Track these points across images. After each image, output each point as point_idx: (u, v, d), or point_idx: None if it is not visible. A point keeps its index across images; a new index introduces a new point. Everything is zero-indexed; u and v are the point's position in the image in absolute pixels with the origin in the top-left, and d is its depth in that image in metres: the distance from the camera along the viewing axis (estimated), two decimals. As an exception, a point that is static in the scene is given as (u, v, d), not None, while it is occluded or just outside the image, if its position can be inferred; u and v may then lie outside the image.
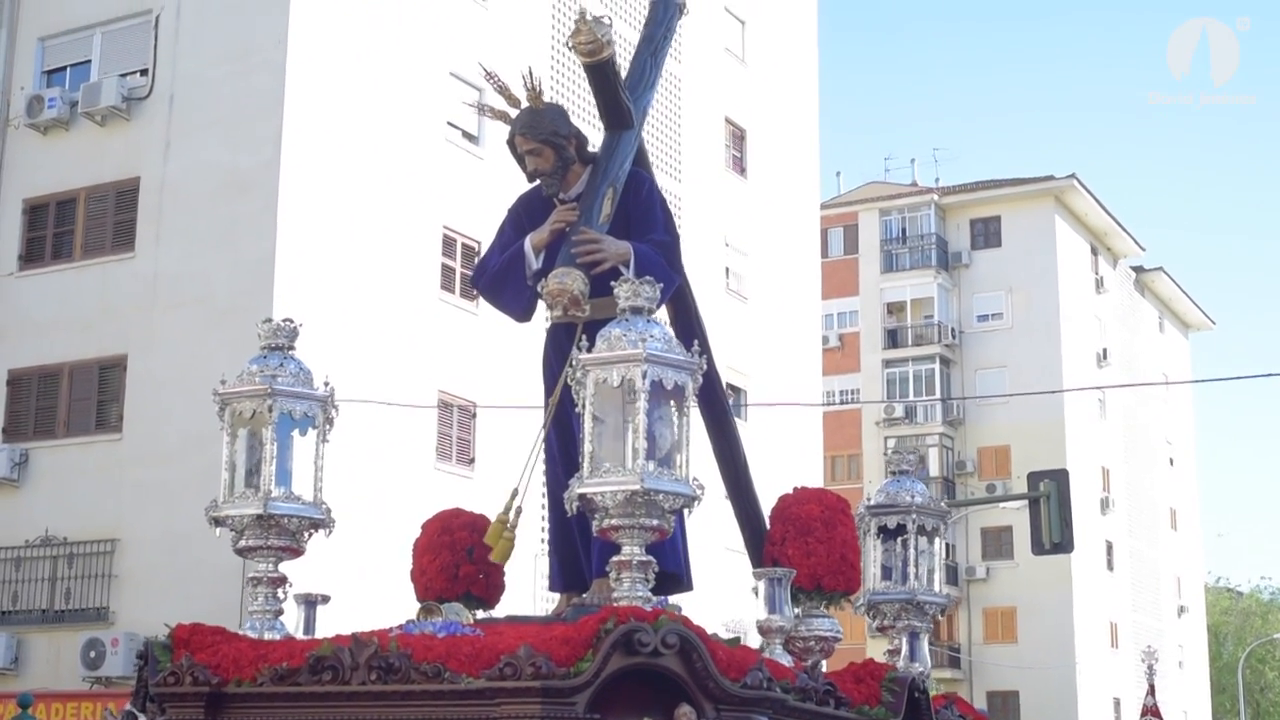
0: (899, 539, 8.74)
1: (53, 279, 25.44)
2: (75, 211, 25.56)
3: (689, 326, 8.47)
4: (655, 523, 6.49)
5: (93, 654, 22.80)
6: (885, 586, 8.70)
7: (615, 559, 6.59)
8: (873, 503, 8.85)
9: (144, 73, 25.37)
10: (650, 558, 6.58)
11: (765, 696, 6.31)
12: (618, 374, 6.48)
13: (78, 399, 24.85)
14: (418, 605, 8.11)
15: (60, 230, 25.72)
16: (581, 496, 6.51)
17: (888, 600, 8.67)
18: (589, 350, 6.59)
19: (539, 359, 8.19)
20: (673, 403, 6.58)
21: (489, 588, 8.30)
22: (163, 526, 22.30)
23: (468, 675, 6.16)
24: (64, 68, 26.43)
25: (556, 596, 8.19)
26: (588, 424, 6.56)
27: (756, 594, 7.43)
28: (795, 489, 8.22)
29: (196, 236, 23.98)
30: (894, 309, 56.28)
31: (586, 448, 6.55)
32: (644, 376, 6.43)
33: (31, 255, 25.86)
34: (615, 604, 6.44)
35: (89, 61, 26.08)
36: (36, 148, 25.97)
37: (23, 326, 25.33)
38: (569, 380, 6.74)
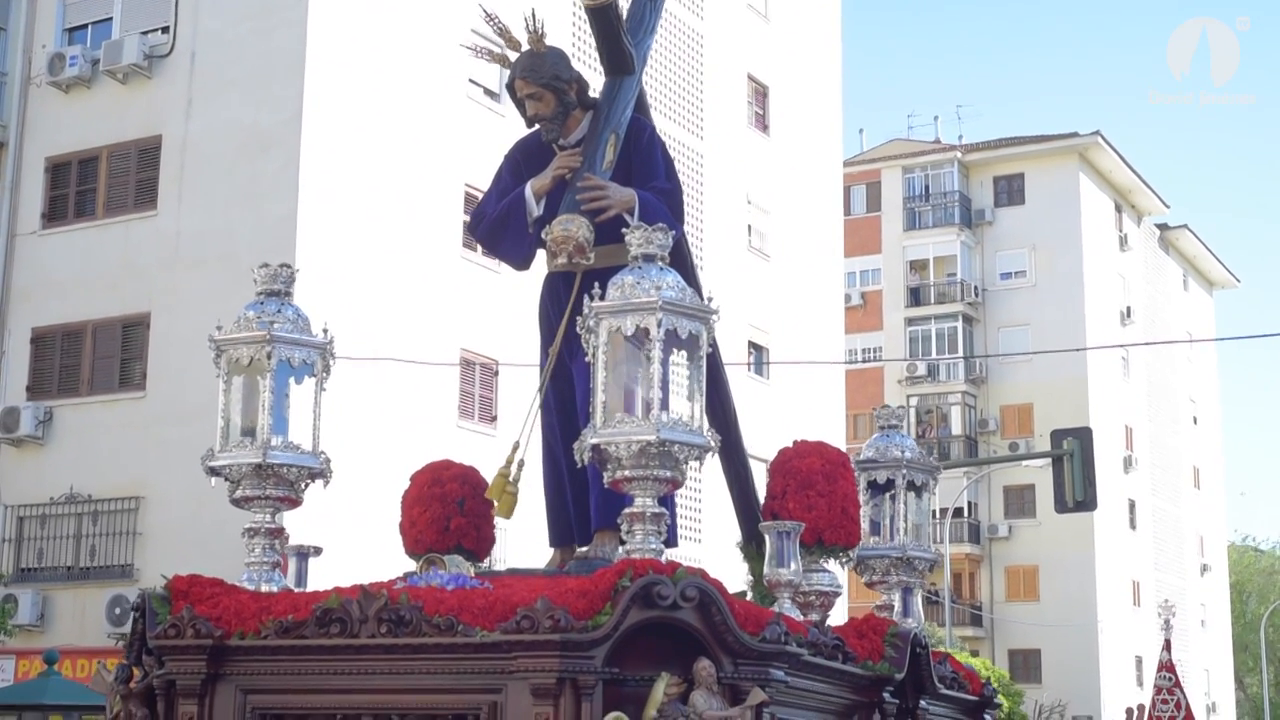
0: (887, 494, 8.69)
1: (75, 237, 25.46)
2: (97, 170, 25.56)
3: (685, 278, 8.36)
4: (668, 474, 6.38)
5: (118, 610, 22.92)
6: (874, 542, 8.61)
7: (628, 511, 6.47)
8: (862, 457, 8.75)
9: (165, 30, 25.30)
10: (663, 509, 6.47)
11: (783, 651, 6.23)
12: (632, 322, 6.34)
13: (101, 357, 24.91)
14: (409, 558, 8.00)
15: (83, 189, 25.73)
16: (594, 447, 6.38)
17: (877, 556, 8.61)
18: (602, 298, 6.45)
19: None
20: (686, 352, 6.47)
21: (480, 541, 8.11)
22: (187, 483, 22.30)
23: (482, 628, 6.02)
24: (85, 25, 26.40)
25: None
26: (600, 373, 6.42)
27: (763, 548, 7.28)
28: (795, 442, 8.04)
29: (219, 195, 23.97)
30: (917, 267, 56.06)
31: (599, 397, 6.41)
32: (659, 325, 6.30)
33: (54, 214, 25.88)
34: (628, 557, 6.34)
35: (110, 19, 26.02)
36: (58, 106, 25.95)
37: (46, 285, 25.37)
38: (579, 329, 6.59)
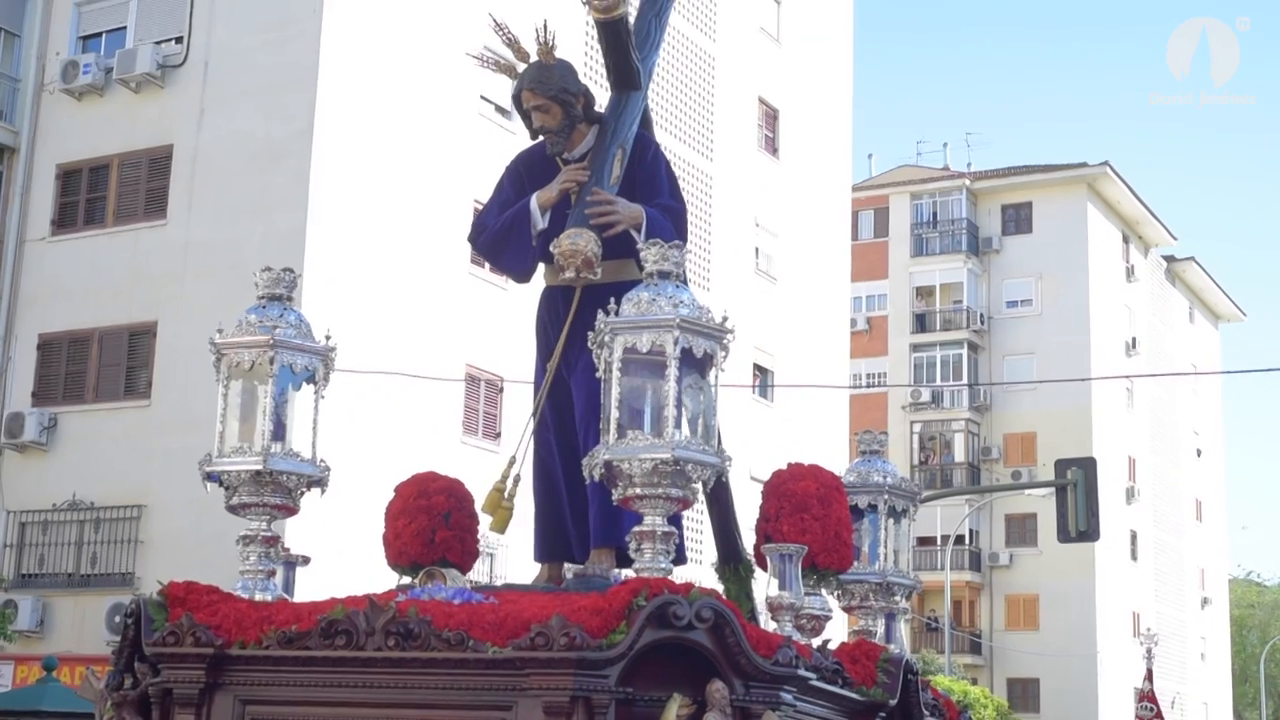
0: (867, 519, 8.63)
1: (84, 245, 25.49)
2: (108, 178, 25.61)
3: None
4: (680, 493, 6.30)
5: (118, 618, 22.63)
6: (854, 567, 8.58)
7: (637, 529, 6.38)
8: (843, 482, 8.71)
9: (179, 40, 25.38)
10: (673, 528, 6.40)
11: (794, 674, 6.17)
12: (647, 338, 6.26)
13: (107, 365, 24.92)
14: (393, 570, 7.91)
15: (93, 196, 25.78)
16: (606, 464, 6.29)
17: (856, 581, 8.54)
18: (616, 313, 6.35)
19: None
20: (699, 371, 6.38)
21: (464, 554, 7.89)
22: (189, 493, 22.10)
23: (493, 644, 5.88)
24: (99, 34, 26.49)
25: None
26: (613, 389, 6.34)
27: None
28: (789, 465, 7.90)
29: (228, 205, 24.00)
30: (923, 293, 56.06)
31: (612, 414, 6.33)
32: (675, 343, 6.23)
33: (64, 221, 25.92)
34: (637, 575, 6.26)
35: (124, 28, 26.12)
36: (71, 113, 26.01)
37: (54, 292, 25.40)
38: (590, 344, 6.53)
